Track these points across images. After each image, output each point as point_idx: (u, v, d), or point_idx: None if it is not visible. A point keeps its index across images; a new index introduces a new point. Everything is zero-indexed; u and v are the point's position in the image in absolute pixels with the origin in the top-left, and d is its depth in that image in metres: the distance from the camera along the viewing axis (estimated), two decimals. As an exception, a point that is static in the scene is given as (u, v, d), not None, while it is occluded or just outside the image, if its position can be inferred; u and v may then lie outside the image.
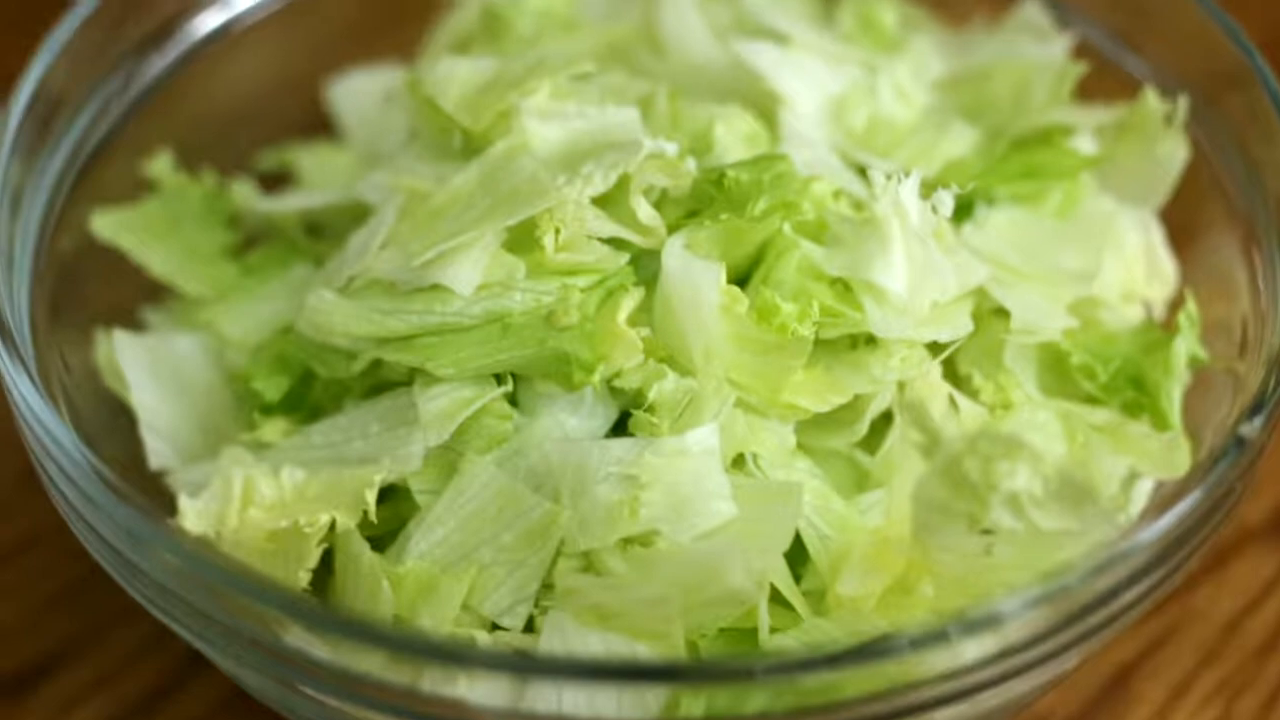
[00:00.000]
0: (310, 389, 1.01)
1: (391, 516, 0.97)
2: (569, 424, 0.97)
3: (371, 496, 0.95)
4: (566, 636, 0.91)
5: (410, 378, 0.98)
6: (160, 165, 1.12)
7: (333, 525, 0.95)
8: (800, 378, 0.96)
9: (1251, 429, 0.90)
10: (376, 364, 0.99)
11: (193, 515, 0.96)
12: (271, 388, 1.01)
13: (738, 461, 0.96)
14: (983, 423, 0.97)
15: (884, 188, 0.98)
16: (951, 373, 1.00)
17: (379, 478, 0.95)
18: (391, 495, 0.97)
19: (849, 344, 0.98)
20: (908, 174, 0.98)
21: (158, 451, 1.03)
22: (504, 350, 0.96)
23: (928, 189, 1.00)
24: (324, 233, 1.09)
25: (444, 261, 0.97)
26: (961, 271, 1.00)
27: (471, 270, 0.97)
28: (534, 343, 0.96)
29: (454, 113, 1.03)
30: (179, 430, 1.04)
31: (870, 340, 0.97)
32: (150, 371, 1.04)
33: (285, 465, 0.97)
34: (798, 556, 0.95)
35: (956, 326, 0.99)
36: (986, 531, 0.89)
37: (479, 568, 0.94)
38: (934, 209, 0.99)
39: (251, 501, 0.96)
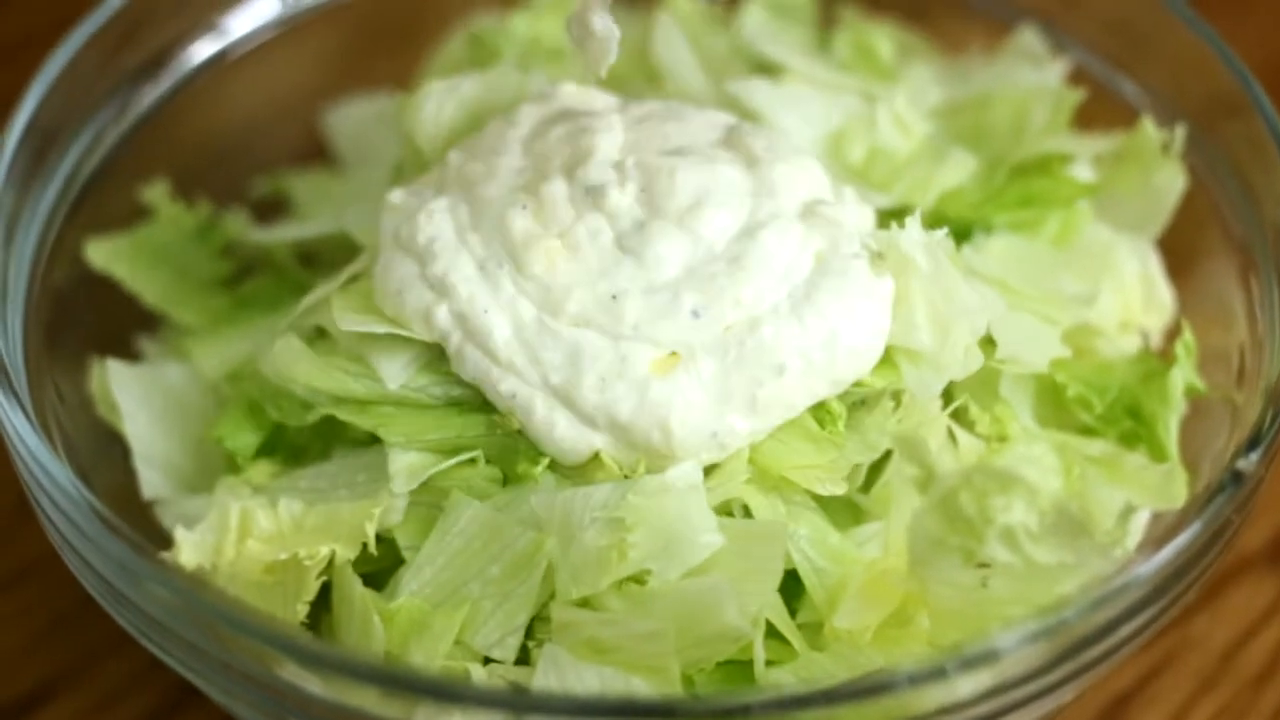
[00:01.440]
0: (285, 433, 1.01)
1: (387, 554, 0.97)
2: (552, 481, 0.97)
3: (371, 530, 0.94)
4: (562, 671, 0.90)
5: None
6: (156, 192, 1.12)
7: (332, 558, 0.95)
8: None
9: (1249, 463, 0.90)
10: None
11: (188, 548, 0.95)
12: (242, 445, 1.01)
13: (726, 507, 0.95)
14: (978, 457, 0.96)
15: (887, 241, 0.97)
16: (947, 404, 0.99)
17: (378, 510, 0.95)
18: (383, 538, 0.97)
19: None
20: (908, 214, 0.98)
21: (151, 481, 1.03)
22: (455, 429, 0.97)
23: (930, 221, 1.00)
24: (317, 262, 1.09)
25: (380, 347, 0.98)
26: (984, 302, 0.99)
27: (402, 369, 0.97)
28: (485, 427, 0.96)
29: (430, 154, 1.03)
30: (172, 460, 1.04)
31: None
32: (143, 401, 1.04)
33: (282, 497, 0.97)
34: (793, 590, 0.95)
35: (969, 363, 0.98)
36: (982, 565, 0.89)
37: (470, 603, 0.94)
38: (943, 246, 0.98)
39: (249, 533, 0.95)
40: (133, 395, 1.04)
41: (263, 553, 0.95)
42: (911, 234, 0.97)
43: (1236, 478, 0.89)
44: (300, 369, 0.98)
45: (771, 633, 0.93)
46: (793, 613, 0.94)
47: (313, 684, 0.86)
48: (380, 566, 0.96)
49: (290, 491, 0.98)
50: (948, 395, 0.98)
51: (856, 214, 1.00)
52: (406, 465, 0.96)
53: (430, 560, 0.95)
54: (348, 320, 0.97)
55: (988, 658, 0.85)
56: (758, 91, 1.06)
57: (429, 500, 0.96)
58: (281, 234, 1.11)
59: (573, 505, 0.94)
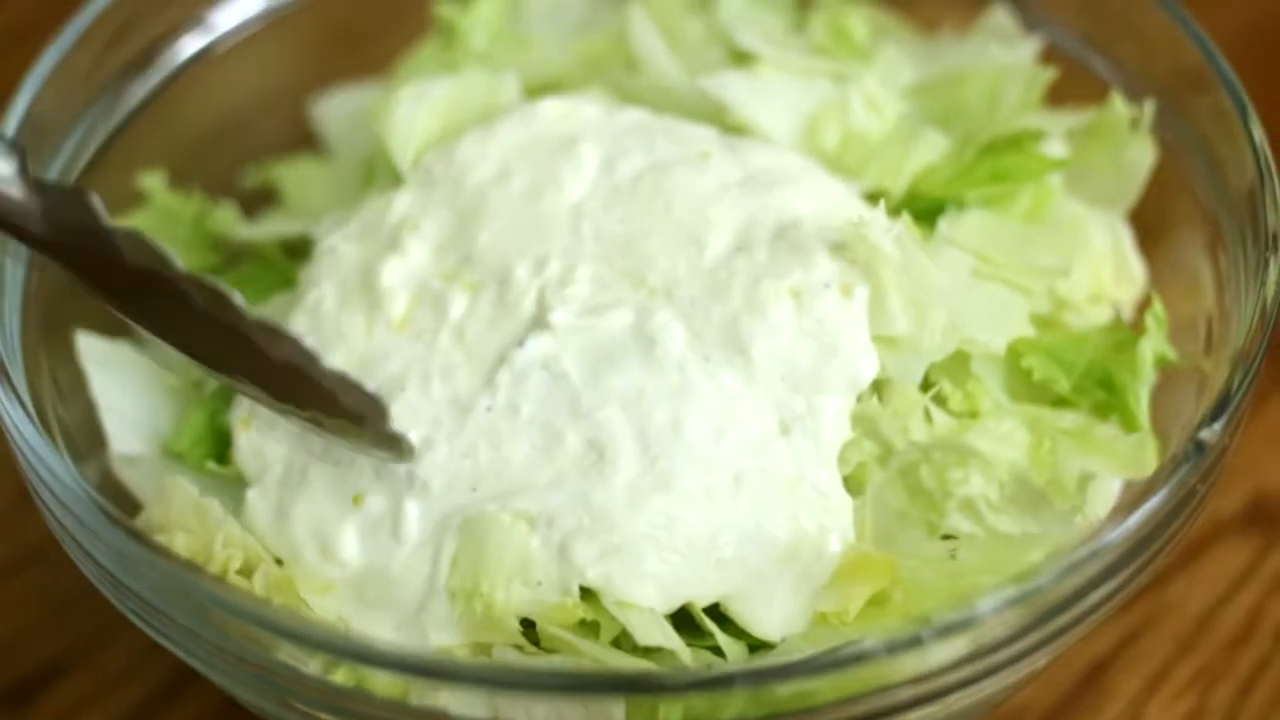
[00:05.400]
0: None
1: None
2: None
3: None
4: None
5: None
6: (153, 181, 1.13)
7: None
8: None
9: (1212, 433, 0.90)
10: None
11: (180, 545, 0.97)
12: (200, 461, 1.03)
13: None
14: (948, 433, 0.97)
15: (854, 233, 0.97)
16: (923, 385, 0.99)
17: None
18: None
19: None
20: (876, 200, 0.99)
21: (119, 437, 1.05)
22: None
23: (904, 203, 1.01)
24: (303, 252, 1.10)
25: None
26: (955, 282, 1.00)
27: None
28: None
29: (403, 164, 1.06)
30: (148, 429, 1.06)
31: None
32: (110, 368, 1.06)
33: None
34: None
35: (946, 344, 0.99)
36: (948, 537, 0.90)
37: None
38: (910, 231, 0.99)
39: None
40: (101, 366, 1.05)
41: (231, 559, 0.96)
42: (878, 224, 0.97)
43: (1200, 448, 0.90)
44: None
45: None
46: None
47: (308, 665, 0.88)
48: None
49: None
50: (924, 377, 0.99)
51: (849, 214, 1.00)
52: None
53: None
54: None
55: (963, 625, 0.86)
56: (731, 86, 1.07)
57: None
58: (264, 230, 1.13)
59: None
